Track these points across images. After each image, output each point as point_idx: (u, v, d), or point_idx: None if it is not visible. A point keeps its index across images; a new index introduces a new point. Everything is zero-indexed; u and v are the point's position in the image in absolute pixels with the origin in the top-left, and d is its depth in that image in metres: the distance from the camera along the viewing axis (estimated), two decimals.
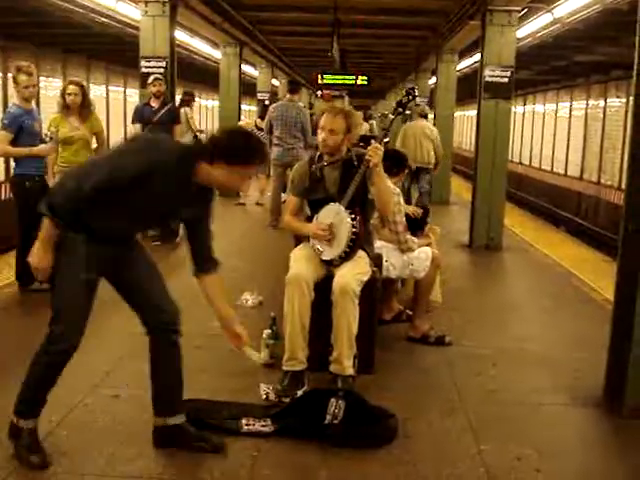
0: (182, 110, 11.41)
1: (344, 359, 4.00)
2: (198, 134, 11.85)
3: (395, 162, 5.23)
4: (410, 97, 4.32)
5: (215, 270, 3.37)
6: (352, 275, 4.03)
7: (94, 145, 6.64)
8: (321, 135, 4.20)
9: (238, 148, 3.02)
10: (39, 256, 3.07)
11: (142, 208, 3.11)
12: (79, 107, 6.31)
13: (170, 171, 2.98)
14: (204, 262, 3.35)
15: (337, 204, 4.15)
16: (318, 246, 4.18)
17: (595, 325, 5.35)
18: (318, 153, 4.35)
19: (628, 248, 3.95)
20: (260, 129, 11.54)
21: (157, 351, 3.39)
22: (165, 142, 3.24)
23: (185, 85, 19.68)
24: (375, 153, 4.01)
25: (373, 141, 4.15)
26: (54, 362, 3.19)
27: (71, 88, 6.30)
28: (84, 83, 6.75)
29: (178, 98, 11.61)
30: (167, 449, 3.36)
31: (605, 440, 3.83)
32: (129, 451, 3.33)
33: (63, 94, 6.32)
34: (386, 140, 4.38)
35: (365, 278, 4.13)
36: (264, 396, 3.93)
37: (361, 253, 4.18)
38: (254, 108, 22.33)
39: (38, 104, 9.27)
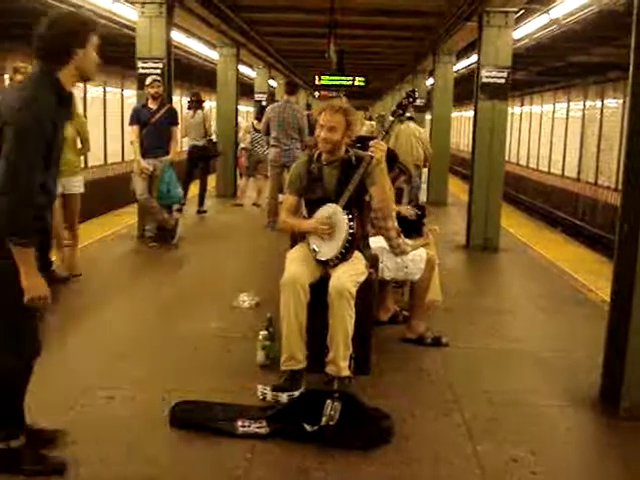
0: (199, 112, 11.30)
1: (340, 360, 3.99)
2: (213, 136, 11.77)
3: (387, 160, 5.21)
4: (410, 99, 4.32)
5: None
6: (348, 276, 4.02)
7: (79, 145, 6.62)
8: (321, 133, 4.16)
9: (76, 29, 2.91)
10: (37, 286, 2.88)
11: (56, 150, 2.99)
12: None
13: (50, 110, 2.86)
14: None
15: (334, 204, 4.14)
16: (314, 246, 4.18)
17: (591, 326, 5.34)
18: (317, 152, 4.31)
19: (624, 248, 3.94)
20: (257, 130, 11.54)
21: None
22: (23, 98, 2.87)
23: (181, 86, 19.67)
24: (378, 148, 4.05)
25: (374, 142, 4.15)
26: (29, 373, 3.10)
27: None
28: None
29: (184, 100, 11.47)
30: (161, 451, 3.36)
31: (601, 441, 3.82)
32: (123, 452, 3.32)
33: None
34: (373, 137, 4.38)
35: (361, 279, 4.12)
36: (261, 397, 3.93)
37: (357, 254, 4.17)
38: (252, 109, 22.33)
39: None
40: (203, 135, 11.19)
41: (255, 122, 12.07)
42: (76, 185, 6.48)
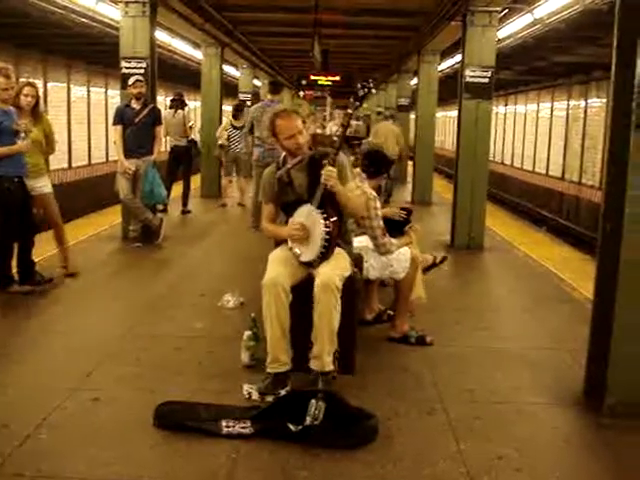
0: (179, 112, 11.23)
1: (325, 355, 3.99)
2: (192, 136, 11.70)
3: (374, 163, 5.20)
4: (366, 90, 4.29)
5: None
6: (334, 271, 4.02)
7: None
8: (293, 141, 4.18)
9: None
10: None
11: None
12: (31, 109, 6.25)
13: None
14: None
15: (308, 205, 4.14)
16: (296, 249, 4.17)
17: (575, 324, 5.37)
18: (282, 157, 4.35)
19: (607, 247, 3.96)
20: (235, 128, 11.58)
21: None
22: None
23: (163, 85, 19.54)
24: (329, 176, 4.02)
25: (324, 169, 4.08)
26: None
27: (28, 89, 6.24)
28: (38, 85, 6.62)
29: (167, 100, 11.37)
30: (145, 452, 3.35)
31: (585, 438, 3.83)
32: (108, 454, 3.30)
33: (18, 94, 6.18)
34: (360, 137, 4.33)
35: (346, 274, 4.12)
36: (247, 396, 3.93)
37: (340, 251, 4.18)
38: None
39: None
40: (183, 135, 11.17)
41: (232, 120, 12.07)
42: (41, 186, 6.40)
